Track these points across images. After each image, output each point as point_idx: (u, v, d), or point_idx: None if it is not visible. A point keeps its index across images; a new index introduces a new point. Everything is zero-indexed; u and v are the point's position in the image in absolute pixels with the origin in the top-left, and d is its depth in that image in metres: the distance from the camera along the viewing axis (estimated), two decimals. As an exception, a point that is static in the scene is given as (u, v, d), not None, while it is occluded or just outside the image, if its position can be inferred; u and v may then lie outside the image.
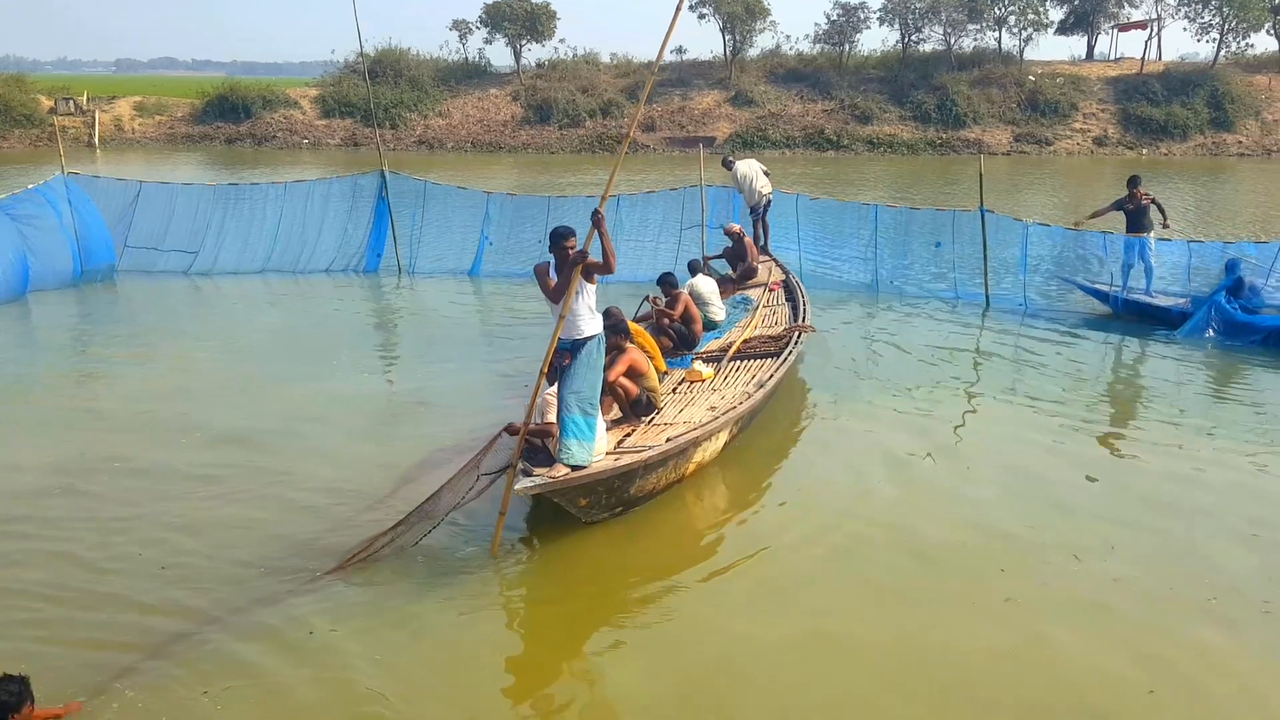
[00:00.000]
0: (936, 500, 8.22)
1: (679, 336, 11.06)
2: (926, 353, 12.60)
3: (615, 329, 8.65)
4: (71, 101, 49.03)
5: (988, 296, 15.13)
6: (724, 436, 8.73)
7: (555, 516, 7.50)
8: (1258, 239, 17.10)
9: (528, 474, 7.09)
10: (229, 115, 49.05)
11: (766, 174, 16.32)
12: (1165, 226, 14.76)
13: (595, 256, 7.31)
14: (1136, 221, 14.54)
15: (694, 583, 7.00)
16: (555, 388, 7.52)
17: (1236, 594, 6.67)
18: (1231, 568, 7.05)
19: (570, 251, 7.39)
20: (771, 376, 9.69)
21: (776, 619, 6.43)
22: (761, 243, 15.93)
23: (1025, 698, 5.65)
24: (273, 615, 6.36)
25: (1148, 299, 14.12)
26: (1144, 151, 44.74)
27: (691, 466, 8.31)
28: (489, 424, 9.52)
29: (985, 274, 15.16)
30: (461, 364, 12.18)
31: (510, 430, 7.81)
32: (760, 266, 14.55)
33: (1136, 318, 13.98)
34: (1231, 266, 13.37)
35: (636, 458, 7.44)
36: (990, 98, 47.39)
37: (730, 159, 17.05)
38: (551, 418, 7.62)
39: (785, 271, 14.34)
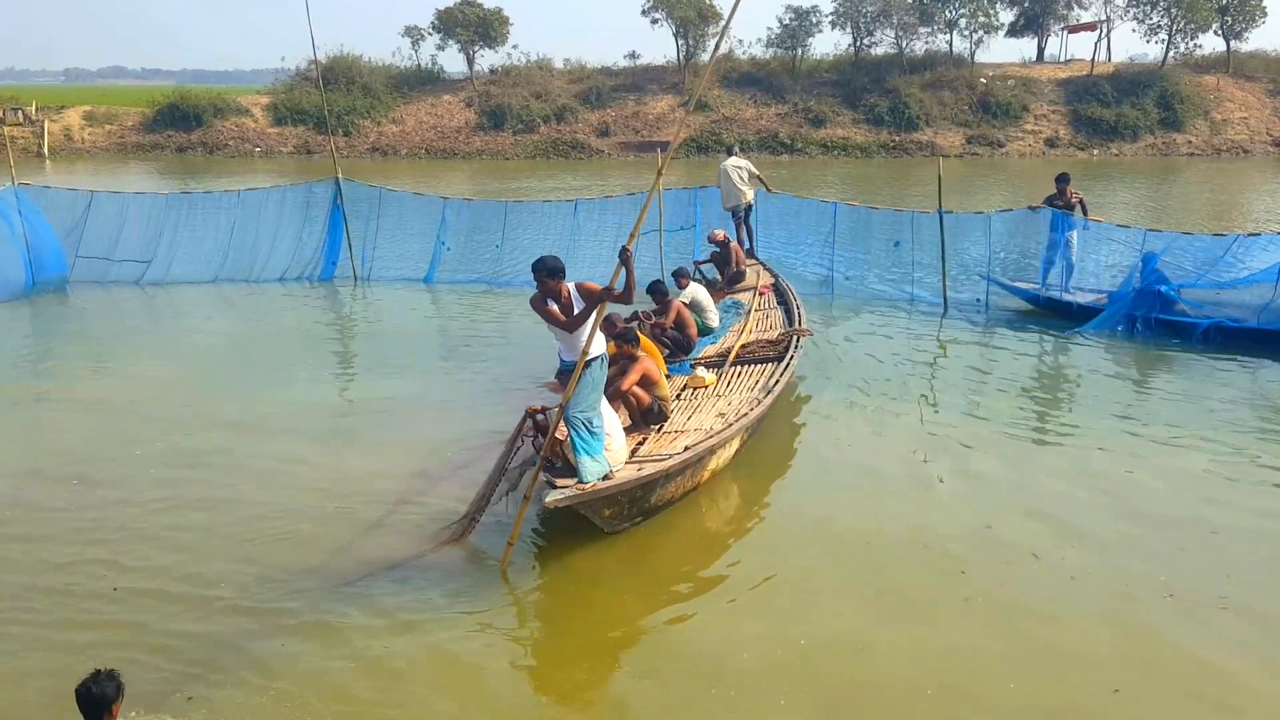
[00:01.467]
0: (902, 503, 8.10)
1: (673, 343, 10.79)
2: (892, 355, 12.51)
3: (625, 338, 8.35)
4: (20, 111, 47.72)
5: (945, 297, 15.01)
6: (736, 443, 8.49)
7: (566, 530, 7.25)
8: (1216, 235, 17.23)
9: (553, 486, 6.77)
10: (180, 124, 48.03)
11: (757, 177, 16.09)
12: (1084, 228, 14.83)
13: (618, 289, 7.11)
14: None
15: (712, 592, 6.82)
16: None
17: (1193, 590, 6.64)
18: (1188, 565, 7.02)
19: (562, 288, 7.18)
20: (777, 382, 9.45)
21: (792, 627, 6.27)
22: (746, 246, 15.68)
23: (987, 696, 5.57)
24: (265, 632, 6.12)
25: (1067, 296, 14.22)
26: (1095, 152, 45.19)
27: (706, 474, 8.08)
28: (466, 432, 9.50)
29: (944, 273, 15.03)
30: (424, 371, 12.02)
31: (531, 414, 7.57)
32: (748, 270, 14.29)
33: (1057, 314, 14.05)
34: (1148, 260, 13.38)
35: (659, 466, 7.18)
36: (942, 100, 47.66)
37: (733, 148, 17.01)
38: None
39: (774, 275, 14.08)
